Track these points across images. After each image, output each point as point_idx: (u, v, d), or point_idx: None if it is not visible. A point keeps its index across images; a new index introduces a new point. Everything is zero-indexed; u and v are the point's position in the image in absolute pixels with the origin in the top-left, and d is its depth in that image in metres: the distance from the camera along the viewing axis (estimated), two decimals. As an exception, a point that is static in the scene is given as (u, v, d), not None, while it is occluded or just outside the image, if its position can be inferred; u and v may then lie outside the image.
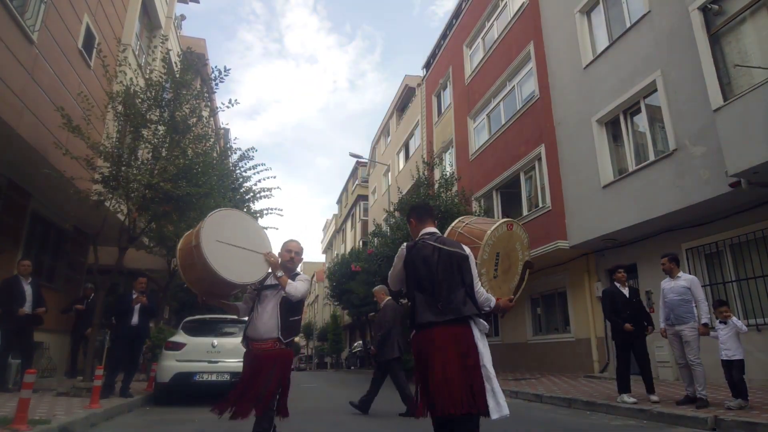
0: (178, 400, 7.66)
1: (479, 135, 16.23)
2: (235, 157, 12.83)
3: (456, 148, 17.58)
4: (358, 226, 34.06)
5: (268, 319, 3.53)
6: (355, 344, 29.95)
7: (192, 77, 8.80)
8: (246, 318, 3.72)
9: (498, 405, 2.62)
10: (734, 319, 5.71)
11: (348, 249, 33.90)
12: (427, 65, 22.65)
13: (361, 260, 20.03)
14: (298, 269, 3.90)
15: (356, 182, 36.21)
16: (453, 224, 3.40)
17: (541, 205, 12.42)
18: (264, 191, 13.49)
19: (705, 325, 5.90)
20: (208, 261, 3.23)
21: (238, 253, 3.46)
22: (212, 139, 10.19)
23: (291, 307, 3.60)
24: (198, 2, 18.95)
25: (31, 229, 9.27)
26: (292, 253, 3.73)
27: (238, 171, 13.12)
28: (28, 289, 7.39)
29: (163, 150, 8.16)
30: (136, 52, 11.75)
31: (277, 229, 40.55)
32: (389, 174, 26.97)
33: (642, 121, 10.09)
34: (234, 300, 4.55)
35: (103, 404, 6.04)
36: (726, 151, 7.22)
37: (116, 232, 8.24)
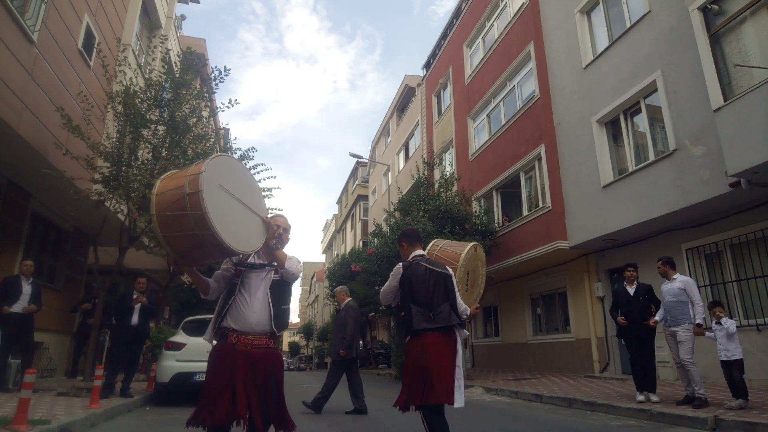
0: (178, 400, 7.66)
1: (479, 135, 16.23)
2: (235, 157, 12.85)
3: (456, 148, 17.58)
4: (358, 226, 34.06)
5: (259, 308, 2.90)
6: (355, 344, 29.93)
7: (192, 77, 8.80)
8: (211, 298, 3.02)
9: (461, 397, 3.29)
10: (724, 319, 5.71)
11: (348, 249, 33.91)
12: (427, 65, 22.65)
13: (361, 260, 20.00)
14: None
15: (356, 182, 36.20)
16: (428, 247, 4.08)
17: (541, 205, 12.42)
18: (264, 191, 13.52)
19: (698, 325, 5.94)
20: (207, 216, 2.50)
21: (239, 212, 2.82)
22: (212, 139, 10.18)
23: (283, 293, 3.04)
24: (198, 2, 18.95)
25: (31, 229, 9.27)
26: (280, 229, 3.09)
27: (238, 171, 13.12)
28: (28, 289, 7.38)
29: (163, 150, 8.16)
30: (136, 52, 11.75)
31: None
32: (389, 174, 26.96)
33: (642, 121, 10.09)
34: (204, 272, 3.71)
35: (103, 404, 6.05)
36: (726, 151, 7.21)
37: (116, 232, 8.25)
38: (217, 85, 8.67)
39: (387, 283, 3.63)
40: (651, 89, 9.50)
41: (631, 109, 10.26)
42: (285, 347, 64.07)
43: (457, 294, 3.53)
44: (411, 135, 24.15)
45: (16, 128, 6.77)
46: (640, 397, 6.43)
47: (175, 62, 10.89)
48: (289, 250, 3.20)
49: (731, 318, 6.12)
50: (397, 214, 15.01)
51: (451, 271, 3.59)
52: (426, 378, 3.18)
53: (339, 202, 44.83)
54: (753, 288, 8.05)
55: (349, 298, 7.58)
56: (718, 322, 5.72)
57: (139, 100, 8.11)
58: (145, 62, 12.40)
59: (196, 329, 8.17)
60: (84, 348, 10.14)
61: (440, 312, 3.37)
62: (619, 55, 10.37)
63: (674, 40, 8.87)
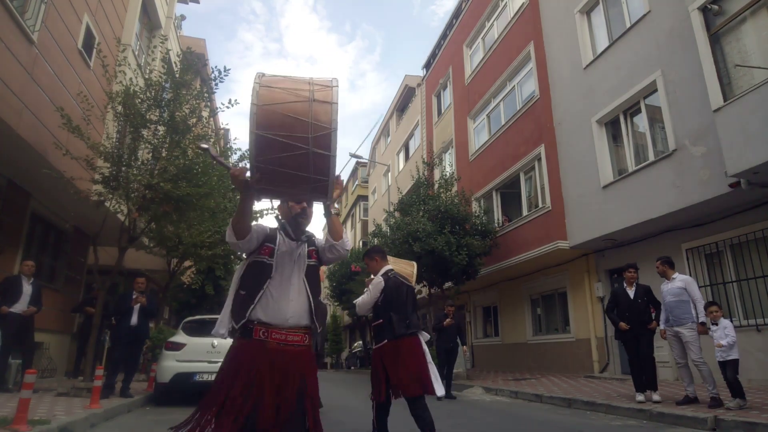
0: (178, 401, 7.65)
1: (479, 135, 16.23)
2: (235, 157, 12.83)
3: (456, 148, 17.58)
4: (358, 226, 34.07)
5: (297, 297, 2.36)
6: (355, 344, 29.97)
7: (192, 77, 8.79)
8: (242, 249, 2.41)
9: (440, 387, 3.84)
10: (722, 320, 5.72)
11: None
12: (427, 65, 22.65)
13: (361, 261, 20.02)
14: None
15: (356, 182, 36.21)
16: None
17: (541, 206, 12.42)
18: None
19: (702, 324, 5.91)
20: (335, 133, 2.03)
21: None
22: (212, 140, 10.19)
23: (317, 281, 2.51)
24: (198, 2, 18.94)
25: (31, 229, 9.26)
26: (303, 203, 2.50)
27: (238, 171, 13.11)
28: (28, 289, 7.37)
29: (163, 150, 8.16)
30: (136, 52, 11.75)
31: (277, 229, 40.10)
32: (389, 174, 26.95)
33: (642, 121, 10.09)
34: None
35: (103, 404, 6.04)
36: (726, 151, 7.22)
37: (116, 232, 8.24)
38: (216, 85, 8.66)
39: (369, 294, 4.04)
40: (651, 89, 9.50)
41: (631, 110, 10.26)
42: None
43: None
44: (411, 135, 24.15)
45: (16, 128, 6.76)
46: (640, 397, 6.44)
47: (175, 62, 10.88)
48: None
49: (730, 319, 6.12)
50: (397, 214, 15.01)
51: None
52: (412, 374, 3.74)
53: (339, 202, 44.77)
54: (753, 288, 8.05)
55: None
56: (714, 323, 5.72)
57: (139, 100, 8.10)
58: (145, 62, 12.39)
59: (196, 329, 8.17)
60: (85, 348, 10.16)
61: (413, 319, 3.99)
62: (619, 55, 10.37)
63: (674, 40, 8.87)
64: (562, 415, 6.52)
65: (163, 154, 8.11)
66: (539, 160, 12.51)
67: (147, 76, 9.27)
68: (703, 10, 7.91)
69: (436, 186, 14.49)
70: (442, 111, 19.87)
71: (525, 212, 13.16)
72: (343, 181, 2.59)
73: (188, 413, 2.37)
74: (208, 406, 2.21)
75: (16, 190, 8.59)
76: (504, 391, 9.25)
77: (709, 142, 7.97)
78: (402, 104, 26.91)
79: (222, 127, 17.21)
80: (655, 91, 9.36)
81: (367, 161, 32.19)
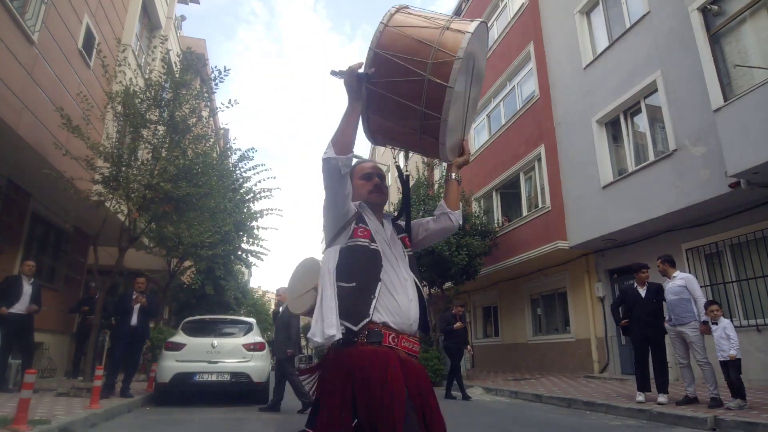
0: (178, 401, 7.66)
1: (479, 135, 16.23)
2: (235, 157, 12.85)
3: (456, 148, 17.56)
4: (358, 226, 33.99)
5: (413, 294, 1.84)
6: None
7: (192, 77, 8.80)
8: (337, 177, 1.78)
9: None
10: (722, 319, 5.72)
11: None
12: (427, 65, 22.62)
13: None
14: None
15: (356, 182, 36.16)
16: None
17: (541, 206, 12.42)
18: (264, 191, 13.52)
19: (704, 323, 5.88)
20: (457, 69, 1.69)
21: (457, 109, 1.88)
22: (212, 140, 10.20)
23: (419, 278, 1.98)
24: (198, 2, 18.96)
25: (31, 229, 9.26)
26: (374, 178, 2.05)
27: (238, 171, 13.14)
28: (28, 289, 7.37)
29: (163, 150, 8.16)
30: (136, 53, 11.75)
31: (276, 229, 40.28)
32: (389, 174, 26.96)
33: (642, 121, 10.09)
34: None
35: (103, 404, 6.04)
36: (726, 151, 7.22)
37: (116, 233, 8.24)
38: (216, 85, 8.67)
39: None
40: (651, 89, 9.50)
41: (631, 110, 10.26)
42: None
43: None
44: (411, 135, 24.13)
45: (16, 128, 6.76)
46: (640, 398, 6.43)
47: (174, 62, 10.90)
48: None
49: (731, 319, 6.11)
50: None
51: None
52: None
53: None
54: (753, 288, 8.05)
55: None
56: (714, 322, 5.72)
57: (139, 100, 8.11)
58: (145, 62, 12.40)
59: (195, 329, 8.18)
60: (84, 348, 10.16)
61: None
62: (619, 55, 10.37)
63: (674, 40, 8.87)
64: (562, 415, 6.52)
65: (163, 154, 8.11)
66: (539, 160, 12.51)
67: (147, 76, 9.28)
68: (703, 10, 7.91)
69: (436, 186, 14.50)
70: (442, 111, 19.84)
71: (525, 212, 13.16)
72: (470, 150, 2.14)
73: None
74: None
75: (16, 190, 8.59)
76: (504, 392, 9.25)
77: (709, 142, 7.97)
78: (402, 104, 26.86)
79: (222, 127, 17.23)
80: (655, 91, 9.36)
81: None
